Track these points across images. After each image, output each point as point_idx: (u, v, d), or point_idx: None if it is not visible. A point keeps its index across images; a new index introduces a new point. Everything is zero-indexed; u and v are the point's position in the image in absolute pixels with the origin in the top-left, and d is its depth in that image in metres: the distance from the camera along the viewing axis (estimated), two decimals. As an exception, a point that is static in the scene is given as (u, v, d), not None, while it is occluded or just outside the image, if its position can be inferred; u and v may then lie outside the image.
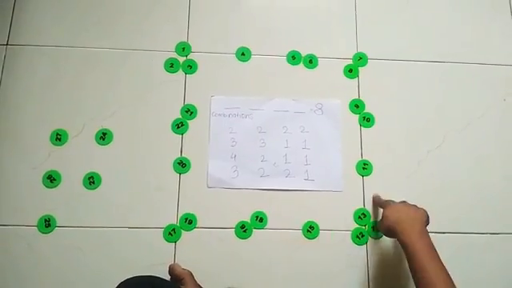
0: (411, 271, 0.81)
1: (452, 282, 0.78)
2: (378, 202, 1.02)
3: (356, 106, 1.10)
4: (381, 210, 0.99)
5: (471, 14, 1.20)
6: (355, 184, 1.05)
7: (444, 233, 1.02)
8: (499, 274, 1.01)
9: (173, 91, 1.08)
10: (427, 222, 0.88)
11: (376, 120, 1.09)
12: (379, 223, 0.94)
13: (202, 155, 1.04)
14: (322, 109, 1.09)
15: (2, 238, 0.97)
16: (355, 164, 1.06)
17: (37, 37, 1.09)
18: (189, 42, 1.11)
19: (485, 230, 1.04)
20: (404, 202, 0.94)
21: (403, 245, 0.83)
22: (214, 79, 1.09)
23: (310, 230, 1.01)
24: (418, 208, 0.90)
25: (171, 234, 0.99)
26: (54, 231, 0.98)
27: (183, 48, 1.11)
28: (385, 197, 1.02)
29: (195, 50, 1.11)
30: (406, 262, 0.82)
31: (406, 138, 1.08)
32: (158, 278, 0.87)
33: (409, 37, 1.16)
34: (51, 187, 1.00)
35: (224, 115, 1.07)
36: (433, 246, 0.83)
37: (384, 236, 0.97)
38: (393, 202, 0.95)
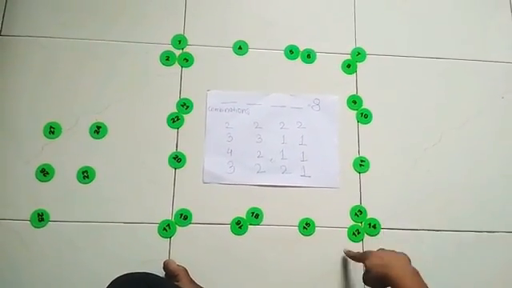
0: None
1: None
2: (353, 257, 0.95)
3: (354, 101, 1.09)
4: (359, 265, 0.94)
5: (470, 10, 1.19)
6: (352, 181, 1.04)
7: (441, 230, 1.02)
8: (496, 272, 1.01)
9: (169, 85, 1.06)
10: (410, 261, 0.82)
11: (373, 116, 1.08)
12: (365, 277, 0.86)
13: (197, 150, 1.03)
14: (320, 104, 1.08)
15: (-5, 232, 0.96)
16: (352, 161, 1.05)
17: (30, 28, 1.08)
18: (185, 35, 1.10)
19: (482, 228, 1.03)
20: (382, 249, 0.88)
21: (394, 279, 0.76)
22: (211, 73, 1.08)
23: (306, 226, 1.01)
24: (398, 252, 0.84)
25: (166, 229, 0.98)
26: (48, 226, 0.97)
27: (179, 41, 1.09)
28: (381, 194, 1.02)
29: (192, 42, 1.10)
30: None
31: (404, 135, 1.08)
32: (153, 274, 0.87)
33: (407, 33, 1.15)
34: (44, 181, 0.99)
35: (220, 110, 1.06)
36: (424, 283, 0.77)
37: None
38: (370, 251, 0.88)
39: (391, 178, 1.05)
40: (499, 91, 1.13)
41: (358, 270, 0.99)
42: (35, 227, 0.96)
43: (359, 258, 0.92)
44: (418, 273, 0.78)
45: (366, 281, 0.86)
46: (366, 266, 0.85)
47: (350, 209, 1.02)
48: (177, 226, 0.98)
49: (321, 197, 1.03)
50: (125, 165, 1.01)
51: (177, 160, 1.02)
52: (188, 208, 1.00)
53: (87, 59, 1.06)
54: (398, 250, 0.84)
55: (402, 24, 1.16)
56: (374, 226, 1.02)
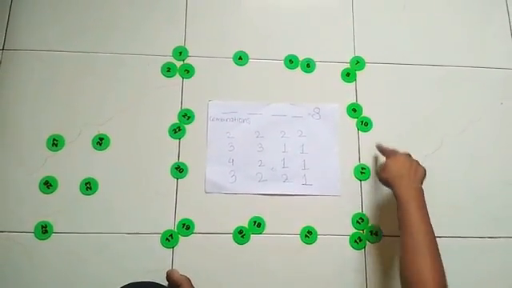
0: (399, 222, 0.85)
1: (436, 244, 0.81)
2: (381, 150, 1.02)
3: (354, 110, 1.10)
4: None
5: (468, 17, 1.20)
6: (353, 188, 1.05)
7: (442, 237, 1.02)
8: (498, 278, 1.01)
9: (170, 96, 1.07)
10: (424, 178, 0.91)
11: (374, 124, 1.09)
12: (380, 171, 0.96)
13: (199, 160, 1.04)
14: (320, 113, 1.09)
15: (-1, 245, 0.96)
16: (353, 168, 1.06)
17: (33, 41, 1.09)
18: (186, 47, 1.11)
19: (483, 234, 1.04)
20: (408, 154, 0.96)
21: (398, 198, 0.86)
22: (212, 84, 1.09)
23: (308, 234, 1.01)
24: (419, 165, 0.93)
25: (169, 239, 0.98)
26: (51, 237, 0.97)
27: (180, 52, 1.10)
28: (383, 201, 1.02)
29: (192, 54, 1.11)
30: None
31: (404, 142, 1.08)
32: (156, 283, 0.87)
33: (406, 41, 1.16)
34: (48, 193, 0.99)
35: (221, 120, 1.07)
36: (425, 205, 0.85)
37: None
38: (397, 152, 0.97)
39: (392, 185, 1.05)
40: (498, 97, 1.14)
41: (360, 277, 0.99)
42: (39, 239, 0.97)
43: (384, 153, 1.01)
44: (422, 192, 0.87)
45: (378, 175, 0.97)
46: (385, 163, 0.96)
47: (351, 216, 1.03)
48: (179, 236, 0.99)
49: (322, 205, 1.03)
50: (127, 176, 1.02)
51: (179, 170, 1.03)
52: (190, 218, 1.00)
53: (89, 72, 1.08)
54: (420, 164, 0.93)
55: (400, 32, 1.17)
56: (376, 233, 1.02)
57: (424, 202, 0.86)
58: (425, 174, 0.92)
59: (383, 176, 0.93)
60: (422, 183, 0.90)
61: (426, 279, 0.76)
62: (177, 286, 0.91)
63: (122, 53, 1.09)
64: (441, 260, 0.80)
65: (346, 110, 1.10)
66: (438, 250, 0.81)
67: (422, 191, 0.88)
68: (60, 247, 0.97)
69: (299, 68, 1.12)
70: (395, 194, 0.88)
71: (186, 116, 1.06)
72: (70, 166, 1.01)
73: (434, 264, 0.78)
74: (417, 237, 0.81)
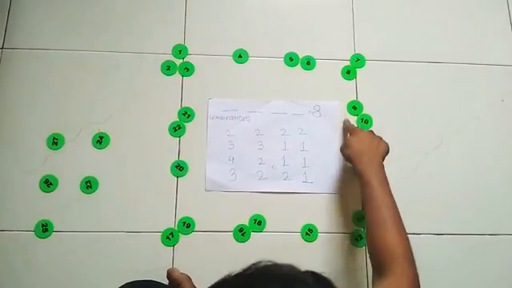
0: (362, 198, 0.88)
1: (399, 217, 0.83)
2: (347, 126, 1.05)
3: (354, 107, 1.09)
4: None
5: (469, 14, 1.20)
6: (354, 186, 1.04)
7: (443, 234, 1.02)
8: (499, 275, 1.01)
9: (170, 94, 1.07)
10: (386, 154, 0.94)
11: (374, 121, 1.09)
12: (343, 148, 0.98)
13: (199, 158, 1.04)
14: (320, 111, 1.09)
15: (-1, 244, 0.96)
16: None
17: (33, 40, 1.09)
18: (185, 45, 1.11)
19: (484, 231, 1.03)
20: (371, 131, 0.98)
21: (360, 174, 0.89)
22: (212, 82, 1.09)
23: (309, 232, 1.01)
24: (381, 141, 0.95)
25: (169, 237, 0.98)
26: (51, 236, 0.97)
27: (180, 50, 1.10)
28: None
29: (192, 52, 1.11)
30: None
31: (405, 139, 1.08)
32: (157, 282, 0.87)
33: (406, 38, 1.16)
34: (48, 192, 0.99)
35: (221, 118, 1.07)
36: (386, 180, 0.88)
37: None
38: (360, 130, 1.01)
39: (393, 183, 1.04)
40: (499, 94, 1.13)
41: (361, 274, 0.99)
42: (39, 238, 0.97)
43: (348, 130, 1.03)
44: (382, 167, 0.90)
45: (341, 151, 0.99)
46: (347, 140, 0.99)
47: (352, 214, 1.03)
48: (180, 235, 0.99)
49: (323, 202, 1.03)
50: (127, 174, 1.02)
51: (179, 168, 1.02)
52: (191, 216, 1.00)
53: (89, 70, 1.07)
54: (383, 139, 0.95)
55: (400, 29, 1.17)
56: (377, 231, 1.02)
57: (385, 176, 0.88)
58: (387, 150, 0.94)
59: (346, 152, 0.96)
60: (383, 159, 0.92)
61: (393, 250, 0.78)
62: (177, 285, 0.90)
63: (122, 51, 1.09)
64: (405, 231, 0.82)
65: (346, 108, 1.09)
66: (401, 222, 0.83)
67: (382, 166, 0.90)
68: (60, 246, 0.97)
69: (299, 66, 1.12)
70: (357, 170, 0.90)
71: (186, 114, 1.06)
72: (70, 165, 1.01)
73: (399, 236, 0.80)
74: (381, 210, 0.83)
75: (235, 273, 0.46)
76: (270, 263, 0.46)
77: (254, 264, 0.45)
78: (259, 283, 0.43)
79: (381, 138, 0.96)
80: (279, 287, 0.41)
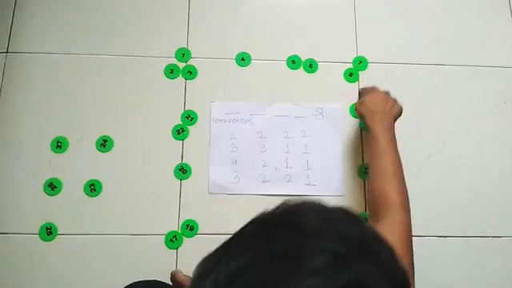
0: (369, 151, 0.92)
1: (402, 173, 0.86)
2: (364, 88, 1.07)
3: (357, 110, 1.10)
4: None
5: (471, 16, 1.20)
6: (357, 188, 1.05)
7: (446, 237, 1.02)
8: (501, 277, 1.01)
9: (173, 97, 1.08)
10: (399, 116, 0.96)
11: (377, 124, 1.09)
12: (357, 105, 1.00)
13: (202, 161, 1.04)
14: (323, 113, 1.09)
15: (4, 247, 0.97)
16: (357, 168, 1.06)
17: (36, 44, 1.09)
18: (189, 48, 1.11)
19: (487, 233, 1.03)
20: (387, 92, 0.99)
21: (369, 130, 0.92)
22: (214, 85, 1.09)
23: (312, 235, 1.01)
24: (396, 103, 0.97)
25: (173, 240, 0.99)
26: (56, 239, 0.98)
27: (183, 54, 1.11)
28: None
29: (195, 55, 1.11)
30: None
31: (407, 141, 1.07)
32: (160, 281, 0.87)
33: (409, 40, 1.16)
34: (52, 195, 1.00)
35: (224, 121, 1.07)
36: (394, 138, 0.91)
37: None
38: (377, 89, 1.01)
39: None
40: (501, 96, 1.13)
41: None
42: (44, 241, 0.97)
43: (365, 90, 1.04)
44: (392, 126, 0.93)
45: (356, 108, 1.00)
46: (362, 98, 1.00)
47: (355, 216, 1.03)
48: (183, 237, 0.99)
49: (326, 205, 1.03)
50: (131, 177, 1.02)
51: (182, 171, 1.03)
52: (194, 219, 1.00)
53: (93, 74, 1.08)
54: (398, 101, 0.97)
55: (402, 32, 1.17)
56: (380, 233, 1.02)
57: (394, 135, 0.91)
58: (400, 113, 0.96)
59: (359, 110, 0.97)
60: (395, 120, 0.94)
61: (391, 200, 0.81)
62: (181, 287, 0.91)
63: (125, 55, 1.10)
64: (405, 184, 0.85)
65: (348, 110, 1.10)
66: (402, 175, 0.86)
67: (392, 125, 0.93)
68: (64, 249, 0.97)
69: (302, 68, 1.12)
70: (367, 126, 0.93)
71: (189, 117, 1.06)
72: (75, 168, 1.02)
73: (398, 186, 0.83)
74: (384, 163, 0.86)
75: (265, 212, 0.46)
76: (299, 200, 0.45)
77: (283, 203, 0.45)
78: (296, 215, 0.43)
79: (396, 100, 0.98)
80: (316, 218, 0.41)
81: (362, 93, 1.06)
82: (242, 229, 0.45)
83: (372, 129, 0.91)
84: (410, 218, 0.81)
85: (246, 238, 0.44)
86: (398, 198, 0.82)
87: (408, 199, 0.83)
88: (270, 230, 0.42)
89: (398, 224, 0.78)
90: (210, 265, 0.41)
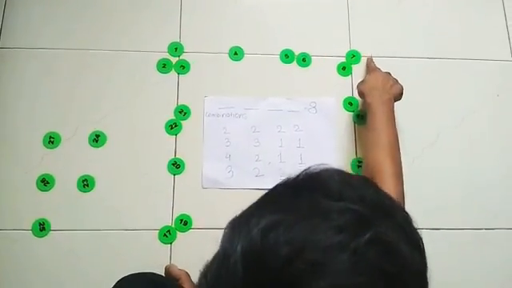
0: (367, 126, 0.96)
1: (398, 146, 0.89)
2: (368, 65, 1.10)
3: (350, 103, 1.10)
4: None
5: (464, 9, 1.20)
6: (350, 182, 1.05)
7: (440, 229, 1.03)
8: (495, 269, 1.02)
9: (166, 92, 1.07)
10: (399, 98, 0.98)
11: (370, 117, 1.09)
12: (358, 84, 1.02)
13: (196, 156, 1.04)
14: (316, 107, 1.09)
15: (-3, 243, 0.96)
16: (350, 162, 1.06)
17: (28, 39, 1.09)
18: (181, 42, 1.11)
19: (480, 225, 1.04)
20: (388, 73, 1.03)
21: (368, 106, 0.95)
22: (207, 79, 1.09)
23: (306, 228, 1.01)
24: (397, 83, 1.00)
25: (166, 235, 0.98)
26: (49, 235, 0.97)
27: (176, 48, 1.10)
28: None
29: (188, 50, 1.11)
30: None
31: (401, 135, 1.07)
32: (158, 274, 0.87)
33: (401, 34, 1.16)
34: (45, 191, 0.99)
35: (218, 115, 1.07)
36: (393, 115, 0.94)
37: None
38: (379, 69, 1.05)
39: (389, 178, 1.05)
40: (494, 89, 1.14)
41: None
42: (37, 237, 0.97)
43: (368, 68, 1.09)
44: (391, 102, 0.95)
45: (357, 85, 1.03)
46: (365, 77, 1.04)
47: (349, 210, 1.03)
48: (177, 232, 0.99)
49: (320, 199, 1.03)
50: (124, 172, 1.02)
51: (176, 166, 1.03)
52: (188, 213, 1.00)
53: (85, 69, 1.07)
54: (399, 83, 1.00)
55: (395, 25, 1.17)
56: (374, 227, 1.02)
57: (392, 111, 0.94)
58: (401, 93, 0.98)
59: (360, 88, 1.01)
60: (395, 100, 0.97)
61: (386, 169, 0.84)
62: (176, 281, 0.91)
63: (118, 49, 1.09)
64: (399, 156, 0.89)
65: (342, 104, 1.10)
66: (398, 147, 0.89)
67: (392, 103, 0.95)
68: (58, 244, 0.97)
69: (295, 62, 1.12)
70: (366, 104, 0.96)
71: (183, 112, 1.06)
72: (67, 164, 1.01)
73: (392, 157, 0.87)
74: (380, 134, 0.90)
75: (289, 178, 0.48)
76: (321, 167, 0.47)
77: (306, 169, 0.47)
78: (319, 180, 0.45)
79: (397, 81, 1.00)
80: (338, 182, 0.44)
81: (368, 65, 1.10)
82: (268, 192, 0.48)
83: (370, 106, 0.94)
84: (402, 187, 0.84)
85: (273, 198, 0.47)
86: (391, 169, 0.84)
87: (401, 170, 0.87)
88: (296, 192, 0.45)
89: (392, 194, 0.78)
90: (241, 222, 0.44)
